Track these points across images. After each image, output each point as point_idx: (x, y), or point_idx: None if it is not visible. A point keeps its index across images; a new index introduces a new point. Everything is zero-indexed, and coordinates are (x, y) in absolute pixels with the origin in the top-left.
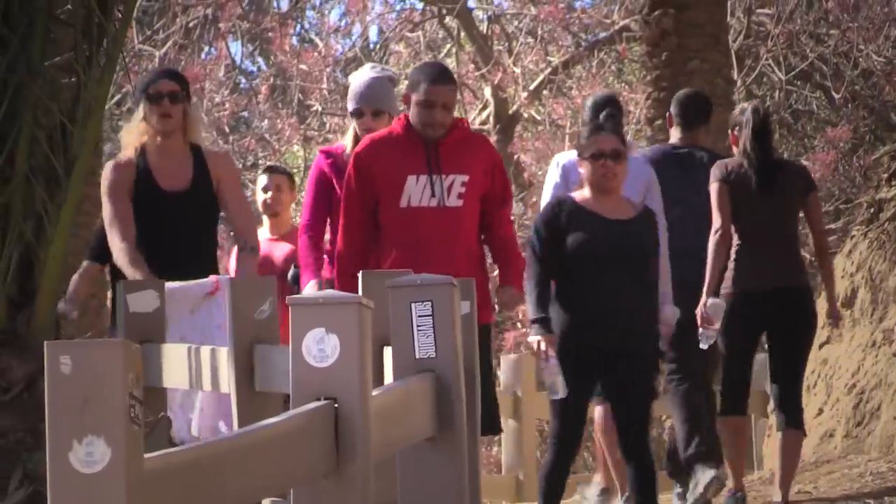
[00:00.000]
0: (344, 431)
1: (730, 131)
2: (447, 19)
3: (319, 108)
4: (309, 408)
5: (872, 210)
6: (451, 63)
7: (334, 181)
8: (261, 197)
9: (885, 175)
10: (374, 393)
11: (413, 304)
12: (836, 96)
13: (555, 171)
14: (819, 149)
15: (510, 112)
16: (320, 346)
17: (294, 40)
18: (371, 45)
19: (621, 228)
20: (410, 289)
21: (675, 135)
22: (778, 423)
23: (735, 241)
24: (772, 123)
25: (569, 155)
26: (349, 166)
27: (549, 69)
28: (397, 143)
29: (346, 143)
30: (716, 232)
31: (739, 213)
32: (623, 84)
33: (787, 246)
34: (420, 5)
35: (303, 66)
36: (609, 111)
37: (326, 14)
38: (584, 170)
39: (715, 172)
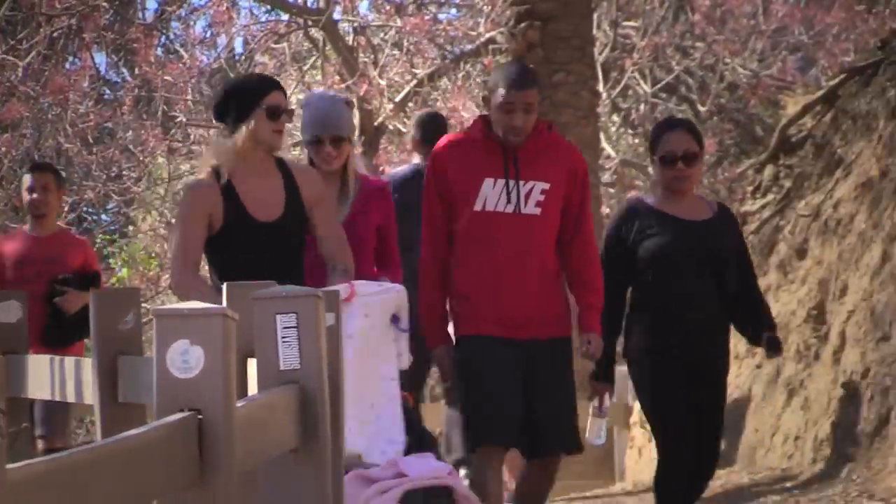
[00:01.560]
0: (208, 443)
1: None
2: (312, 31)
3: (184, 120)
4: (172, 419)
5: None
6: (316, 75)
7: None
8: (26, 197)
9: (750, 188)
10: (239, 404)
11: (278, 316)
12: (702, 109)
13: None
14: None
15: (375, 124)
16: (184, 358)
17: (159, 51)
18: (236, 57)
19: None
20: (275, 300)
21: (418, 155)
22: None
23: None
24: None
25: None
26: (427, 170)
27: (414, 81)
28: (474, 145)
29: None
30: None
31: None
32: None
33: None
34: (285, 17)
35: (168, 77)
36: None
37: (191, 25)
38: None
39: None
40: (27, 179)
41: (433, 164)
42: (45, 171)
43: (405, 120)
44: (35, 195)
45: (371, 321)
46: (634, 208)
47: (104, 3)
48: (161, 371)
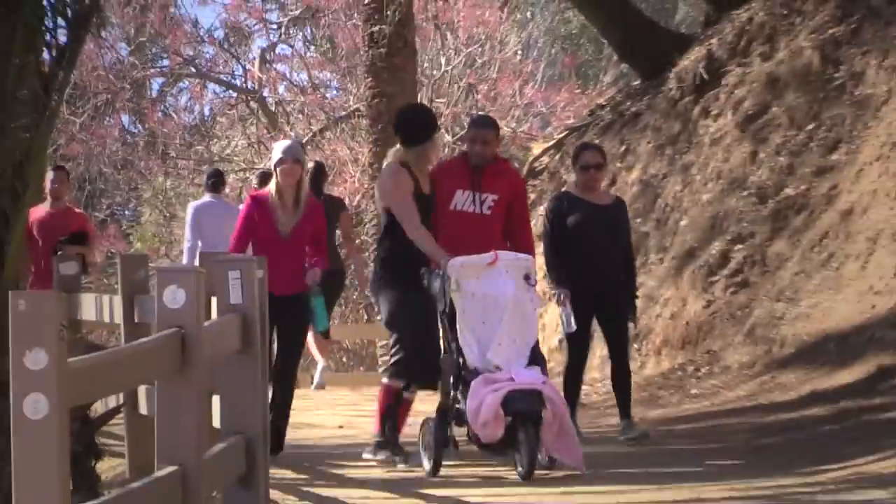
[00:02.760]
0: (187, 348)
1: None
2: (251, 103)
3: (174, 155)
4: (166, 333)
5: None
6: (252, 128)
7: (257, 219)
8: (48, 185)
9: None
10: (206, 324)
11: (229, 271)
12: None
13: (189, 214)
14: None
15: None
16: (174, 296)
17: (160, 114)
18: (206, 118)
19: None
20: (228, 262)
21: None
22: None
23: None
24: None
25: (199, 202)
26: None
27: (311, 133)
28: (454, 168)
29: (270, 189)
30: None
31: None
32: (357, 142)
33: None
34: (234, 94)
35: (165, 130)
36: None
37: (179, 98)
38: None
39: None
40: (50, 174)
41: (433, 177)
42: (61, 170)
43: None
44: (55, 185)
45: (510, 275)
46: (564, 194)
47: (127, 86)
48: (160, 304)
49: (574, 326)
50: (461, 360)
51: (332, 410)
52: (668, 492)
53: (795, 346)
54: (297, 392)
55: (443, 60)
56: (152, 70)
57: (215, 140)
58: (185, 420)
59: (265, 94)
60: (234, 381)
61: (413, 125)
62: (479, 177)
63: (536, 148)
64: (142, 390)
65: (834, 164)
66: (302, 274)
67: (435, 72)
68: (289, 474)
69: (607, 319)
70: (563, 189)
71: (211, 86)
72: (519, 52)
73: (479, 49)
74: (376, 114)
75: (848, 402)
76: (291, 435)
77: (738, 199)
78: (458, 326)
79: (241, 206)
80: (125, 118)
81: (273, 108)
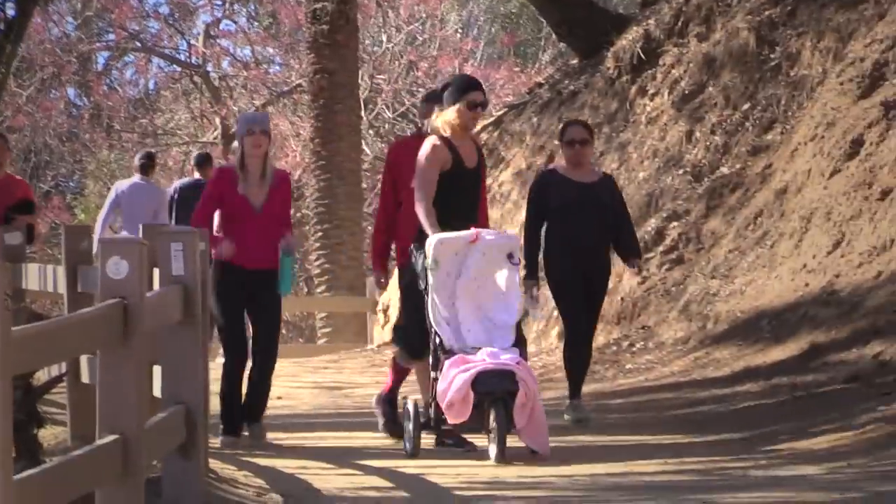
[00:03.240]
0: (129, 317)
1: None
2: (195, 77)
3: (118, 128)
4: (109, 303)
5: None
6: (196, 103)
7: (226, 190)
8: None
9: None
10: (148, 295)
11: (171, 243)
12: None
13: (112, 192)
14: None
15: (231, 132)
16: (117, 268)
17: (105, 87)
18: (150, 92)
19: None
20: (171, 234)
21: (198, 173)
22: None
23: None
24: None
25: (126, 182)
26: (386, 159)
27: (254, 108)
28: (416, 141)
29: (235, 162)
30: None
31: None
32: (298, 117)
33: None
34: (179, 69)
35: (110, 103)
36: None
37: (124, 72)
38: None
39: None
40: None
41: (388, 157)
42: (1, 138)
43: None
44: None
45: (487, 257)
46: (549, 172)
47: (73, 59)
48: (103, 275)
49: (539, 316)
50: (437, 340)
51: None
52: (601, 466)
53: (729, 322)
54: None
55: (384, 37)
56: (98, 44)
57: (159, 114)
58: (126, 389)
59: (209, 68)
60: (176, 352)
61: (448, 85)
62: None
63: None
64: (84, 359)
65: (769, 144)
66: (276, 247)
67: (376, 49)
68: None
69: (585, 297)
70: (549, 167)
71: (156, 60)
72: (459, 30)
73: (420, 27)
74: (318, 89)
75: (781, 378)
76: None
77: (674, 178)
78: (429, 305)
79: (170, 189)
80: (71, 91)
81: (216, 83)
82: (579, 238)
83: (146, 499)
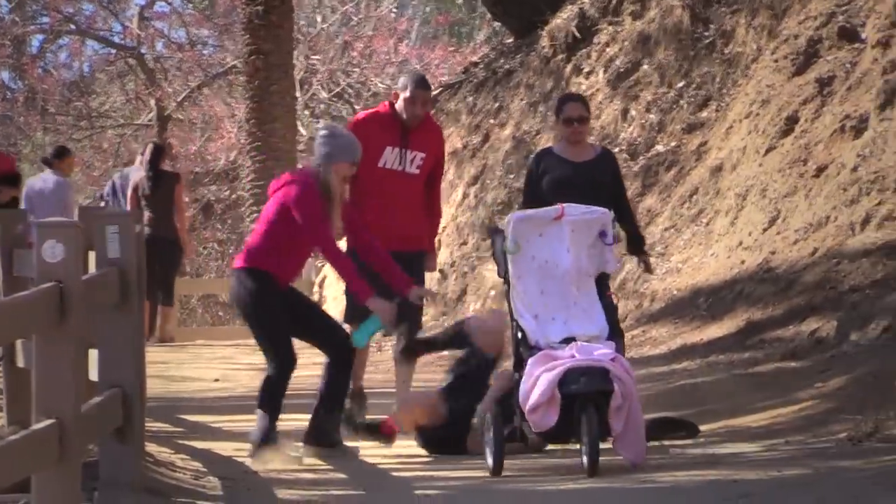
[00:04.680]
0: (65, 300)
1: None
2: (129, 60)
3: (53, 111)
4: (45, 286)
5: None
6: (130, 85)
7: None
8: None
9: None
10: (84, 278)
11: (108, 226)
12: (358, 107)
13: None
14: None
15: (166, 114)
16: (53, 251)
17: (40, 70)
18: (86, 74)
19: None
20: (107, 216)
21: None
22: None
23: None
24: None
25: (38, 177)
26: (349, 129)
27: (189, 89)
28: (384, 120)
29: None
30: None
31: None
32: (234, 98)
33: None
34: (114, 51)
35: (45, 86)
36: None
37: (58, 55)
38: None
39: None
40: None
41: (353, 130)
42: None
43: (182, 113)
44: None
45: (577, 236)
46: (544, 152)
47: (7, 42)
48: (39, 258)
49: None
50: (520, 335)
51: (209, 364)
52: None
53: (666, 300)
54: (173, 346)
55: (319, 18)
56: (32, 27)
57: (94, 96)
58: (62, 373)
59: (143, 51)
60: (112, 335)
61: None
62: (408, 133)
63: None
64: (20, 343)
65: (704, 122)
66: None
67: (311, 29)
68: (165, 427)
69: None
70: (545, 147)
71: (90, 42)
72: (394, 10)
73: (355, 7)
74: (253, 70)
75: (718, 356)
76: (167, 388)
77: None
78: (511, 295)
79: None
80: (5, 74)
81: (151, 65)
82: None
83: (83, 483)
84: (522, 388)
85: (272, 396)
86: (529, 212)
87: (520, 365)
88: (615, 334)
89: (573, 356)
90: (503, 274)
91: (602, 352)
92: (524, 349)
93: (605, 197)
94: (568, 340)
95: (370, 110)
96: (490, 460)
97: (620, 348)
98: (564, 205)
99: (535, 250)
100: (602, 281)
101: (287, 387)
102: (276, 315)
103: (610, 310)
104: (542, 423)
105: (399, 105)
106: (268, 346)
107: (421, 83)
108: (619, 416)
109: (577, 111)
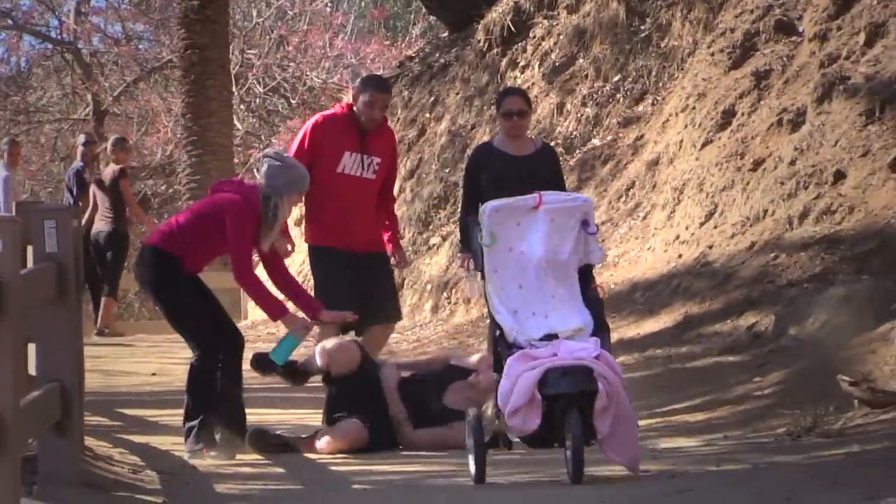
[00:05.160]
0: (4, 295)
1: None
2: (66, 54)
3: None
4: None
5: None
6: (67, 80)
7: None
8: None
9: None
10: (23, 272)
11: (45, 221)
12: (293, 102)
13: None
14: (282, 132)
15: (103, 109)
16: None
17: None
18: (23, 69)
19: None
20: (44, 212)
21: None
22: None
23: None
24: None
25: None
26: (307, 131)
27: (125, 84)
28: (340, 124)
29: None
30: None
31: None
32: (170, 93)
33: None
34: (51, 45)
35: None
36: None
37: None
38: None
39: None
40: None
41: (312, 133)
42: None
43: (119, 107)
44: None
45: (557, 224)
46: (482, 147)
47: None
48: None
49: (477, 293)
50: (497, 332)
51: (146, 358)
52: None
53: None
54: (110, 340)
55: (254, 12)
56: None
57: (31, 91)
58: (1, 368)
59: (80, 45)
60: (50, 329)
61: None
62: (366, 137)
63: (346, 98)
64: None
65: (640, 115)
66: None
67: (247, 23)
68: (103, 421)
69: None
70: (484, 141)
71: (27, 37)
72: (329, 4)
73: (290, 1)
74: (189, 64)
75: (655, 350)
76: (105, 382)
77: None
78: (487, 290)
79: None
80: None
81: (88, 60)
82: None
83: (22, 477)
84: (501, 390)
85: (195, 383)
86: (504, 201)
87: (499, 366)
88: (600, 329)
89: (554, 355)
90: (480, 268)
91: (585, 349)
92: (503, 348)
93: (545, 188)
94: (550, 337)
95: (328, 112)
96: (472, 467)
97: (606, 344)
98: (542, 193)
99: (511, 241)
100: (587, 273)
101: (214, 373)
102: (187, 297)
103: (595, 303)
104: (524, 427)
105: (357, 107)
106: (181, 329)
107: (381, 86)
108: (604, 418)
109: (517, 104)
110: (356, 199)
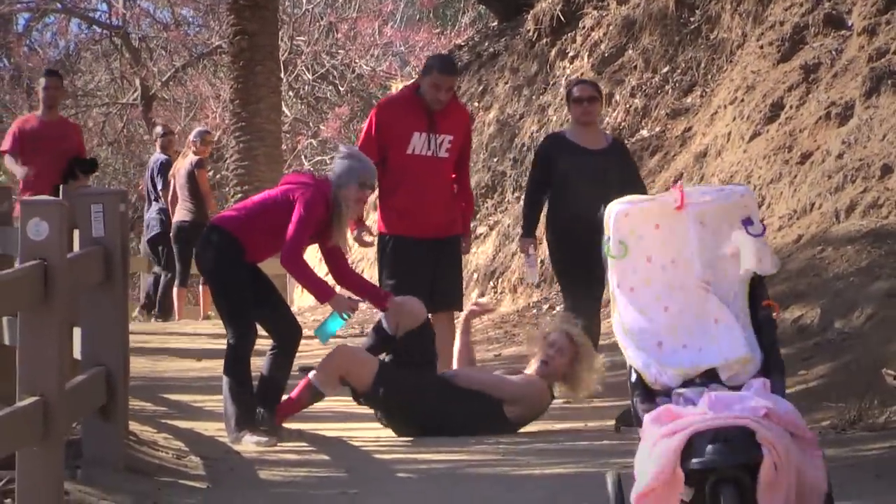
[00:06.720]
0: (49, 279)
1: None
2: (115, 39)
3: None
4: (29, 264)
5: None
6: (115, 64)
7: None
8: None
9: None
10: (69, 256)
11: (91, 205)
12: (342, 89)
13: None
14: (330, 119)
15: (151, 94)
16: (37, 229)
17: (26, 49)
18: (71, 53)
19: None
20: (91, 196)
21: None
22: None
23: None
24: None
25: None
26: (371, 118)
27: (174, 69)
28: (406, 105)
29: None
30: None
31: None
32: (218, 78)
33: None
34: (100, 29)
35: (30, 65)
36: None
37: (44, 34)
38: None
39: None
40: (43, 81)
41: (378, 118)
42: (55, 76)
43: (167, 92)
44: (50, 91)
45: (710, 228)
46: (554, 136)
47: None
48: (23, 236)
49: (536, 279)
50: (634, 377)
51: (193, 343)
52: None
53: None
54: (156, 325)
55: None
56: (18, 5)
57: (79, 75)
58: (46, 351)
59: (129, 30)
60: (96, 314)
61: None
62: (433, 117)
63: (395, 87)
64: (4, 321)
65: (689, 107)
66: None
67: (296, 10)
68: (148, 406)
69: (587, 273)
70: (556, 131)
71: (75, 21)
72: None
73: None
74: (238, 51)
75: None
76: (150, 367)
77: None
78: (614, 319)
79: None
80: None
81: (136, 45)
82: (585, 209)
83: (66, 461)
84: (639, 456)
85: (234, 363)
86: (635, 200)
87: (637, 418)
88: (772, 366)
89: (703, 412)
90: (605, 283)
91: (745, 399)
92: (639, 398)
93: (614, 185)
94: (707, 375)
95: (393, 94)
96: None
97: (780, 388)
98: (683, 187)
99: (649, 249)
100: (757, 286)
101: (250, 355)
102: (240, 283)
103: (768, 326)
104: None
105: (423, 89)
106: (222, 311)
107: (446, 69)
108: (773, 496)
109: (587, 91)
110: (429, 181)
